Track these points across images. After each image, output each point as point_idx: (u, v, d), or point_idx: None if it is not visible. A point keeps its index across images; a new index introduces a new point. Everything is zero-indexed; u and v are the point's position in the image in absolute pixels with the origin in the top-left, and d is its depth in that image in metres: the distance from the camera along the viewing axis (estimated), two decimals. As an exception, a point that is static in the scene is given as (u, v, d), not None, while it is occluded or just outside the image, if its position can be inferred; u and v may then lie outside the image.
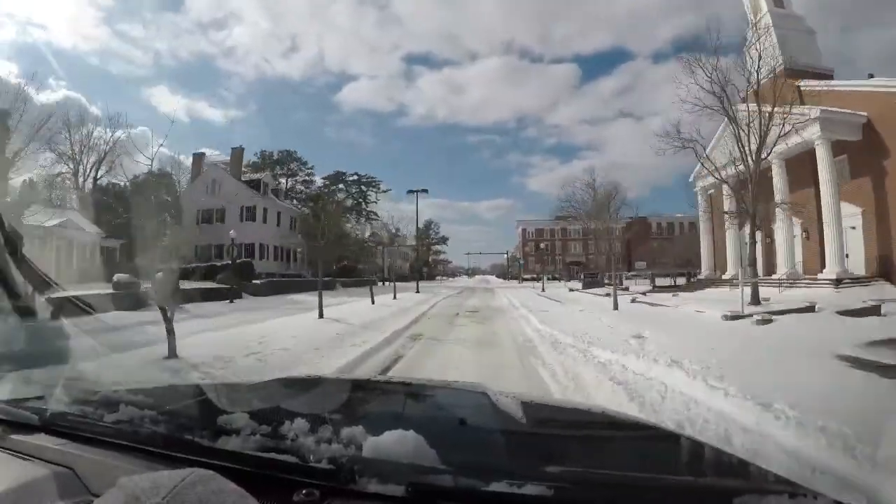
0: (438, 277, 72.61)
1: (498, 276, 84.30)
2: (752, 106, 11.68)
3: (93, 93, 61.12)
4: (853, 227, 13.81)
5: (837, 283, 12.54)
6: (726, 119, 12.36)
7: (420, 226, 71.53)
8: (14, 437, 0.98)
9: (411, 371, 5.40)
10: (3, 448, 0.94)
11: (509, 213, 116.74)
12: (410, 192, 28.36)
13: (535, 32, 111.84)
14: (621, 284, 21.26)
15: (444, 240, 74.26)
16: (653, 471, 0.89)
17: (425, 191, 27.02)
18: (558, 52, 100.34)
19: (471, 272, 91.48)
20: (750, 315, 8.77)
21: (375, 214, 47.17)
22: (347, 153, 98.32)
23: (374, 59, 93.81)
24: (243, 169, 34.10)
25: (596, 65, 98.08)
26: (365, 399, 1.55)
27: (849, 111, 13.69)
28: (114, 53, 60.33)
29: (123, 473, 0.63)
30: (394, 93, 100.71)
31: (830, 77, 15.82)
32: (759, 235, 12.41)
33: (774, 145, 11.54)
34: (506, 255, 73.33)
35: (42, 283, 3.50)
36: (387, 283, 29.97)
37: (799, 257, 15.06)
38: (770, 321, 8.10)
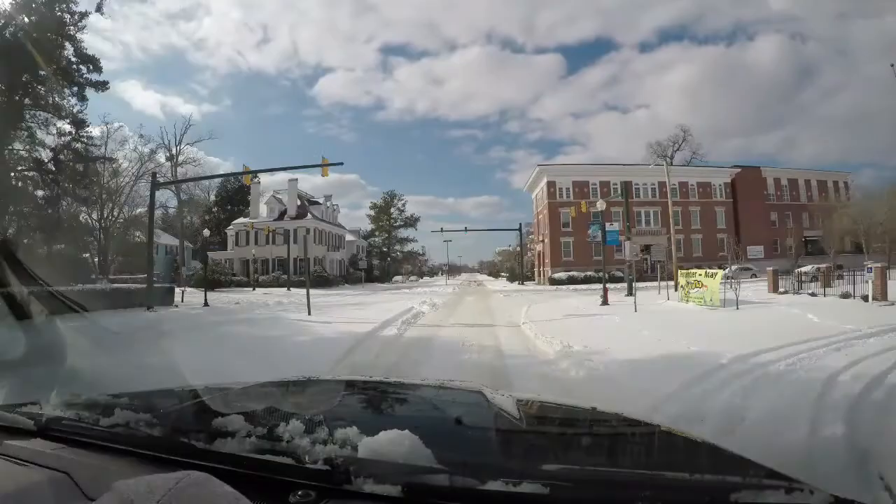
0: (401, 278, 49.16)
1: (492, 275, 59.86)
2: None
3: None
4: None
5: None
6: None
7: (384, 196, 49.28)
8: (9, 442, 0.97)
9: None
10: None
11: (494, 211, 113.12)
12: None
13: (517, 21, 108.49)
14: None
15: (412, 221, 51.28)
16: (649, 468, 0.89)
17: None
18: (542, 42, 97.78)
19: (450, 270, 61.06)
20: None
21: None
22: (327, 148, 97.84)
23: (350, 50, 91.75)
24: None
25: (580, 55, 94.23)
26: (360, 399, 1.55)
27: None
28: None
29: (119, 477, 0.63)
30: (371, 85, 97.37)
31: None
32: None
33: None
34: (518, 232, 41.96)
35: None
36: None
37: None
38: None
